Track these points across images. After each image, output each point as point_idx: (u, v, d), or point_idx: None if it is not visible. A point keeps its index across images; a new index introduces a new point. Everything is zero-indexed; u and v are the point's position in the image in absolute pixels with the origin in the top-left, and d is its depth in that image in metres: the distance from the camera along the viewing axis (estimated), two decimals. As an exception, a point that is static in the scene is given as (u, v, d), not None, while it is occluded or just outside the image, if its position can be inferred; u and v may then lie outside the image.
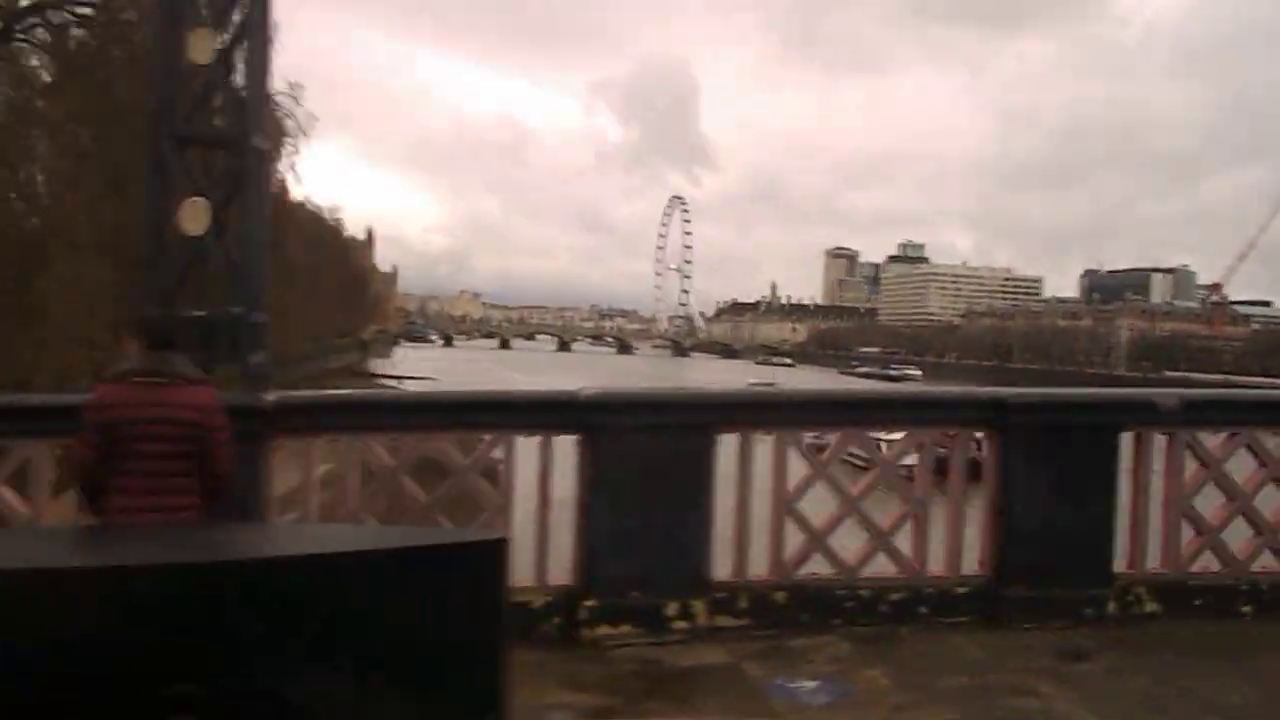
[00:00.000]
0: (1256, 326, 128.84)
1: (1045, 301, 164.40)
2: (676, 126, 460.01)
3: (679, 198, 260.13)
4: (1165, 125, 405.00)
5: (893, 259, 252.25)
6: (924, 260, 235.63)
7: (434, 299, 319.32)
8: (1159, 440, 5.95)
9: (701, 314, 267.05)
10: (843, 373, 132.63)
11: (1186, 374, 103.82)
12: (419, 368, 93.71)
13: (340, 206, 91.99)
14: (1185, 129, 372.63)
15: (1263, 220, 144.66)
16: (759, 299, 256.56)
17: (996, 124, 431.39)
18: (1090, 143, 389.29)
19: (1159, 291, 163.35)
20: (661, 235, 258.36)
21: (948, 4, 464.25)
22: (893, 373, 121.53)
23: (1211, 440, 5.93)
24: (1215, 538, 5.85)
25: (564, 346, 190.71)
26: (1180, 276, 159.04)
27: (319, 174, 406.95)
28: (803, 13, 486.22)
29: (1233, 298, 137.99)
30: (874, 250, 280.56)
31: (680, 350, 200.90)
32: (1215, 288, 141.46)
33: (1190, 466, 5.96)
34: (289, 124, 43.25)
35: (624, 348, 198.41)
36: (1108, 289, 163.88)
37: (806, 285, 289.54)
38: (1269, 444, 5.98)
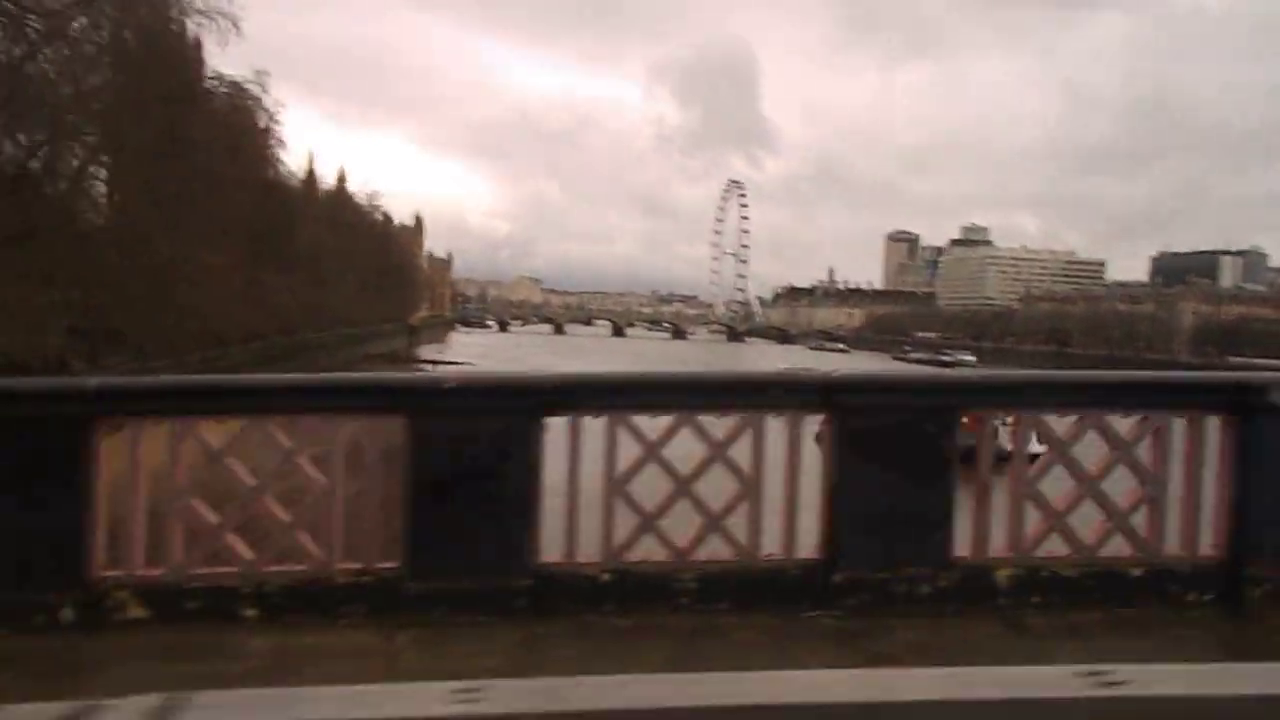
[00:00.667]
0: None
1: (1107, 285, 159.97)
2: (737, 109, 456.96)
3: (736, 182, 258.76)
4: (1245, 102, 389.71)
5: (955, 242, 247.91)
6: (988, 244, 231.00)
7: (495, 284, 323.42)
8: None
9: (759, 299, 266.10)
10: (895, 358, 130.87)
11: (1249, 359, 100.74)
12: (467, 352, 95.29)
13: (379, 193, 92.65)
14: (1267, 105, 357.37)
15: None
16: (815, 283, 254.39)
17: (1066, 104, 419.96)
18: (1166, 122, 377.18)
19: (1229, 274, 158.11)
20: (719, 220, 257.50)
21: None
22: (945, 358, 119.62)
23: (1061, 422, 5.93)
24: (1062, 521, 5.78)
25: (618, 332, 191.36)
26: (1251, 258, 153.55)
27: (380, 161, 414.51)
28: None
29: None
30: (939, 234, 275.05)
31: (735, 335, 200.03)
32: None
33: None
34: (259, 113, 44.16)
35: (678, 333, 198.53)
36: (1175, 272, 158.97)
37: (868, 270, 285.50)
38: (1118, 426, 5.91)
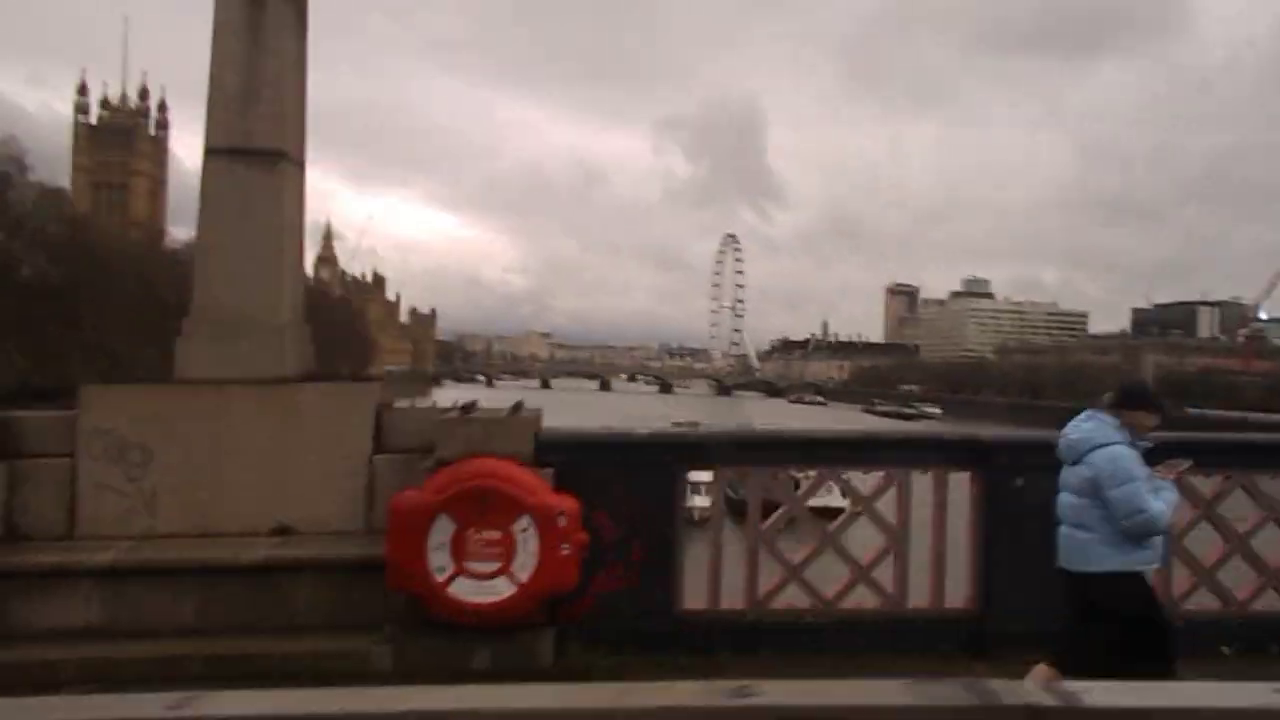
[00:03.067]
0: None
1: (1077, 337, 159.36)
2: (745, 161, 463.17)
3: (732, 236, 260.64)
4: (1259, 151, 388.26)
5: (955, 294, 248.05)
6: (989, 296, 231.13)
7: (503, 339, 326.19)
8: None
9: (758, 352, 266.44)
10: (864, 410, 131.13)
11: (1205, 410, 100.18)
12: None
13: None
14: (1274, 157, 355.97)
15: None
16: (809, 336, 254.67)
17: (1076, 155, 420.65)
18: (1179, 172, 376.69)
19: (1206, 325, 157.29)
20: (717, 274, 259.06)
21: (1017, 33, 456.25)
22: (908, 411, 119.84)
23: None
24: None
25: (604, 386, 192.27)
26: (1228, 309, 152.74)
27: (397, 218, 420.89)
28: (868, 45, 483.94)
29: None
30: (949, 286, 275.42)
31: (723, 389, 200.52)
32: (1244, 321, 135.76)
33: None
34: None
35: (665, 387, 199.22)
36: (1154, 324, 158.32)
37: (872, 322, 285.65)
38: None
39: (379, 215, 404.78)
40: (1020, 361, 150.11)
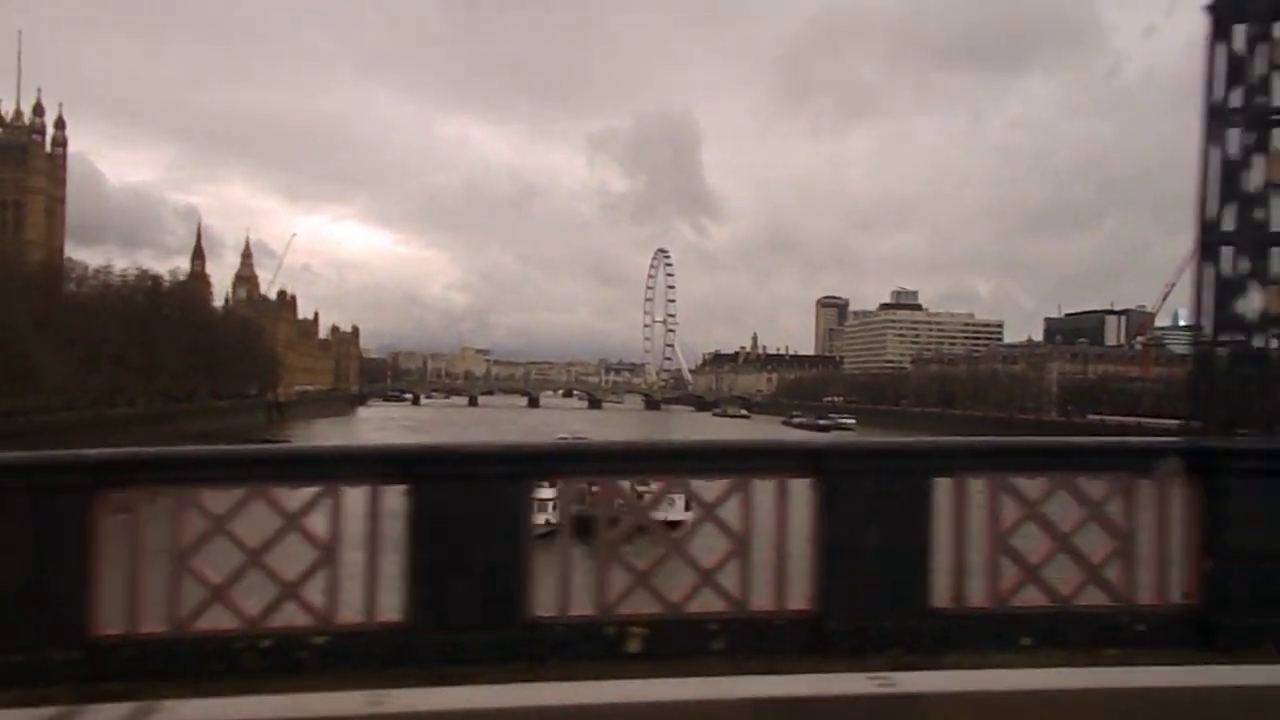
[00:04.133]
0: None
1: (1008, 346, 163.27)
2: (681, 177, 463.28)
3: (663, 250, 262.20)
4: (1175, 164, 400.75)
5: (884, 306, 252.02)
6: (918, 307, 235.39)
7: (438, 356, 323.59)
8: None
9: (693, 366, 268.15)
10: (783, 423, 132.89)
11: (1104, 416, 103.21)
12: (337, 431, 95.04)
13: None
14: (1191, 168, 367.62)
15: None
16: (738, 349, 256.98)
17: (1003, 166, 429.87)
18: (1102, 183, 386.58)
19: (1113, 333, 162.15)
20: (649, 288, 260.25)
21: (943, 47, 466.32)
22: (823, 422, 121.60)
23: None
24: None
25: (533, 403, 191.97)
26: (1134, 317, 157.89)
27: (326, 236, 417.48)
28: (797, 61, 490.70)
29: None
30: (883, 298, 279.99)
31: (652, 404, 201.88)
32: (1142, 329, 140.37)
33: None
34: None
35: (594, 402, 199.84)
36: (1066, 332, 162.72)
37: (806, 335, 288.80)
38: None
39: (316, 232, 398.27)
40: (935, 372, 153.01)
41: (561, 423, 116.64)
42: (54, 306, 53.43)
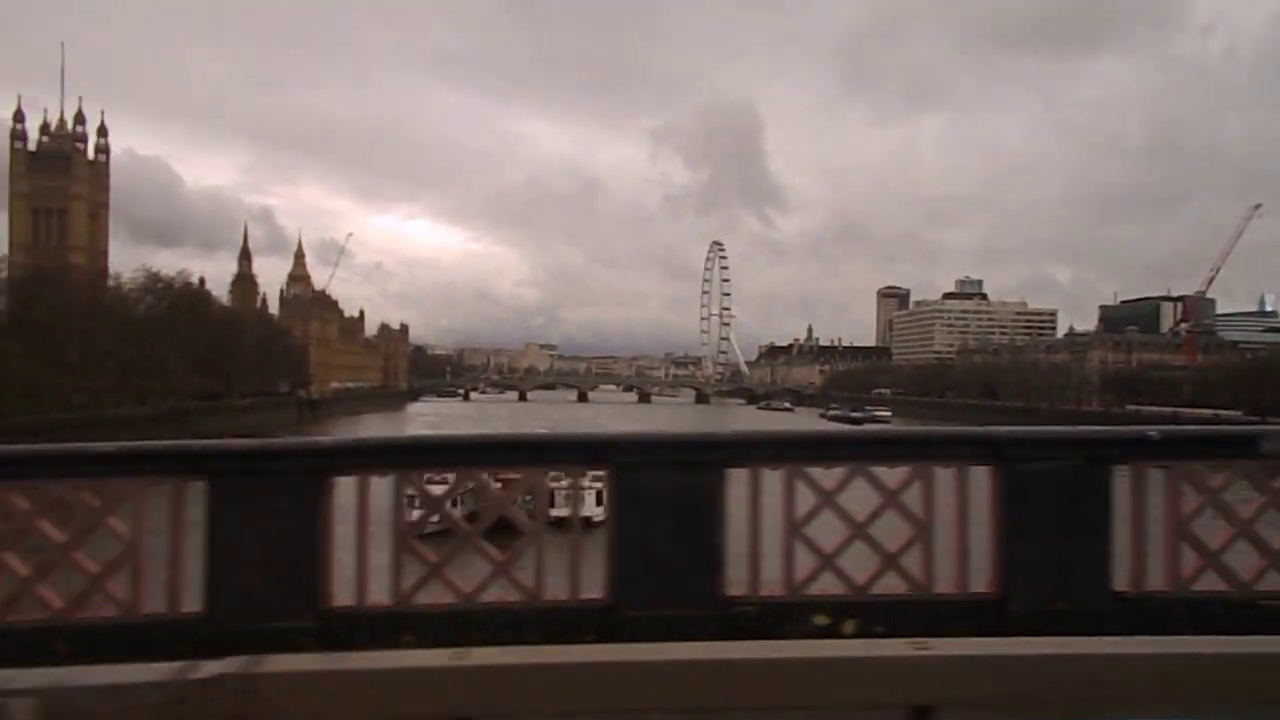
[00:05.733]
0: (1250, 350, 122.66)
1: (1045, 335, 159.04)
2: (745, 168, 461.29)
3: (718, 243, 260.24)
4: (1260, 144, 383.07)
5: (947, 296, 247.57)
6: (983, 296, 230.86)
7: (501, 352, 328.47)
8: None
9: (750, 360, 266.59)
10: (821, 415, 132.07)
11: (1139, 407, 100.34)
12: (380, 426, 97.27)
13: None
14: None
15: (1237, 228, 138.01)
16: (792, 341, 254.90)
17: (1079, 150, 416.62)
18: (1183, 165, 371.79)
19: (1169, 321, 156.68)
20: (706, 281, 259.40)
21: (1011, 29, 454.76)
22: (855, 415, 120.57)
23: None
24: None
25: (582, 398, 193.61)
26: (1190, 303, 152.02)
27: (398, 234, 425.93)
28: (861, 46, 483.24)
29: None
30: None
31: (702, 397, 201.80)
32: (1186, 317, 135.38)
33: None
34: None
35: (643, 397, 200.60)
36: (1121, 321, 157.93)
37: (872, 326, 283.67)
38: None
39: (388, 231, 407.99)
40: (979, 362, 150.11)
41: (589, 417, 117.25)
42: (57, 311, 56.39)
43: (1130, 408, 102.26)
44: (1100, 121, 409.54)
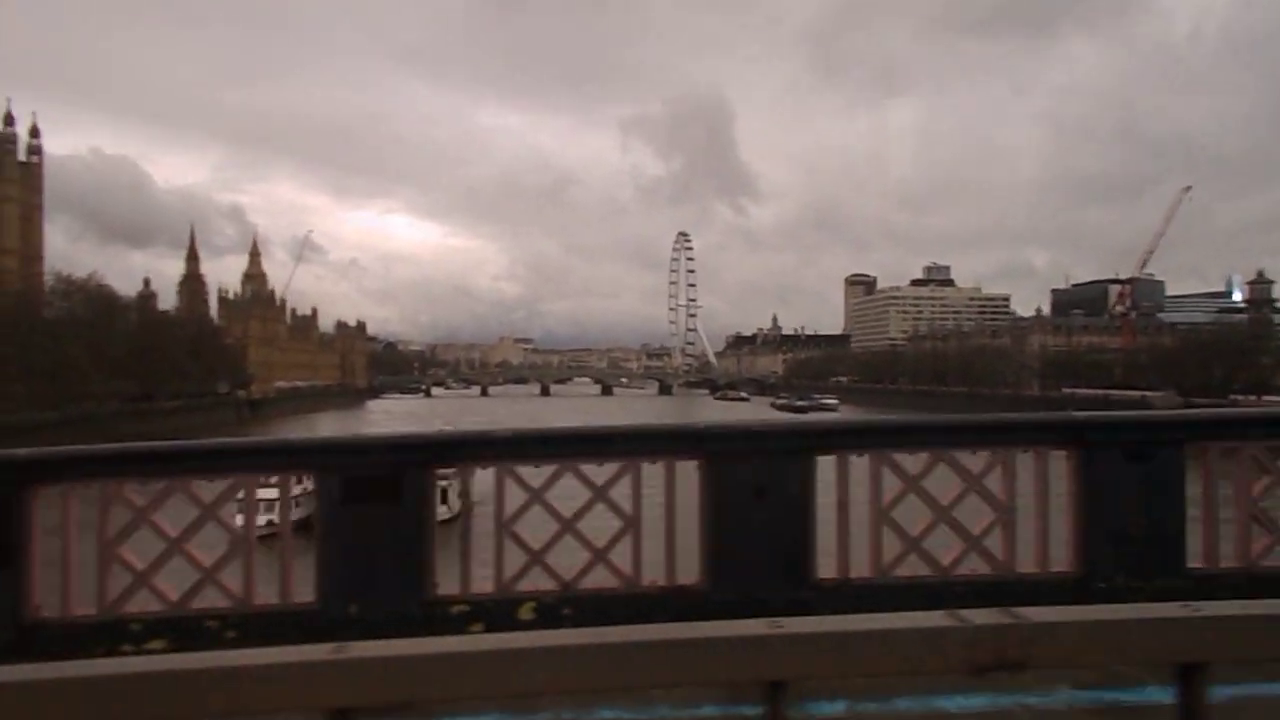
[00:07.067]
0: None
1: (1014, 320, 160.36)
2: (717, 158, 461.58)
3: (684, 234, 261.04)
4: (1228, 125, 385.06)
5: (915, 282, 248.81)
6: (950, 283, 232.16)
7: (474, 347, 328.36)
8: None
9: (719, 350, 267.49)
10: (771, 405, 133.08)
11: (1075, 390, 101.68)
12: (326, 425, 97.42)
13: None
14: (1249, 128, 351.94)
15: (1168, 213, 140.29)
16: (755, 331, 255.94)
17: (1050, 135, 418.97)
18: (1153, 148, 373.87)
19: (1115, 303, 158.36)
20: (673, 272, 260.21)
21: (976, 14, 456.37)
22: (801, 403, 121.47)
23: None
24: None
25: (545, 391, 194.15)
26: (1139, 286, 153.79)
27: (375, 230, 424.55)
28: (827, 33, 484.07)
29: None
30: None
31: (664, 389, 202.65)
32: (1121, 298, 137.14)
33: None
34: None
35: (605, 389, 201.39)
36: (1071, 304, 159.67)
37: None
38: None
39: (365, 226, 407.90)
40: (928, 349, 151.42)
41: (527, 411, 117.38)
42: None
43: (1066, 391, 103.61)
44: (1070, 105, 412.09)
